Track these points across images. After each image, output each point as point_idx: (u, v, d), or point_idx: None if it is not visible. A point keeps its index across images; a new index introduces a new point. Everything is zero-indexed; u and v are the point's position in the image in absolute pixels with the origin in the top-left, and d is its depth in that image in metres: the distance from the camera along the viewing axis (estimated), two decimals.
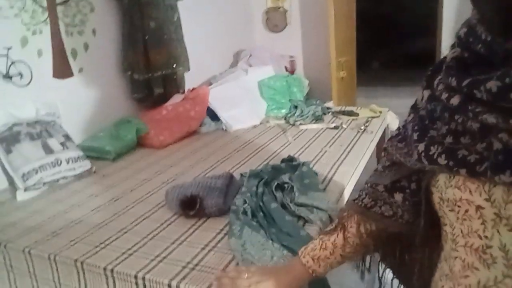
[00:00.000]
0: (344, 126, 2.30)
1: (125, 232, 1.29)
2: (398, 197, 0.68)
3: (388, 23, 7.06)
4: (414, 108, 0.62)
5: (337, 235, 0.76)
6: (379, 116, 2.45)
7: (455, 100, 0.47)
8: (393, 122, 2.58)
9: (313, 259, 0.77)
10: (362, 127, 2.23)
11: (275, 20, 3.84)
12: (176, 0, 2.56)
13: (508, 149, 0.43)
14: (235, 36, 3.60)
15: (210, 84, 2.85)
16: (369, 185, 0.73)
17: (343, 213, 0.78)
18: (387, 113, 2.54)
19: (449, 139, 0.50)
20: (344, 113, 2.54)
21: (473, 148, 0.47)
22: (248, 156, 1.95)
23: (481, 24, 0.48)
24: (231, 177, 1.53)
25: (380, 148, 2.44)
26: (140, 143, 2.18)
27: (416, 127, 0.57)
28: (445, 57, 0.55)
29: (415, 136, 0.56)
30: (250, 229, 1.19)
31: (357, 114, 2.48)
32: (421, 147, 0.53)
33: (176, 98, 2.47)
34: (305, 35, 3.79)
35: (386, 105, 2.67)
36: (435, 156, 0.51)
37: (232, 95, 2.60)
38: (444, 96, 0.49)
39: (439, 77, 0.53)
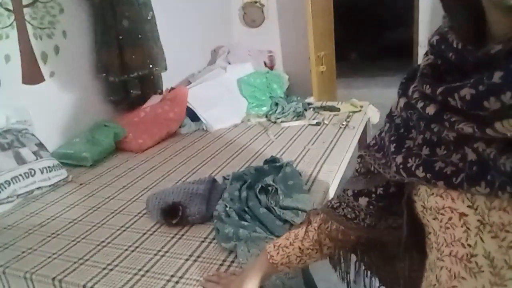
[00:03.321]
0: (326, 122, 2.29)
1: (105, 246, 1.24)
2: (363, 201, 0.70)
3: (365, 15, 7.10)
4: (390, 116, 0.62)
5: (301, 228, 0.81)
6: (360, 110, 2.44)
7: (430, 109, 0.46)
8: (374, 116, 2.59)
9: (274, 246, 0.83)
10: (344, 123, 2.22)
11: (252, 15, 3.80)
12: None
13: (482, 160, 0.43)
14: (212, 33, 3.54)
15: (189, 83, 2.80)
16: (342, 189, 0.77)
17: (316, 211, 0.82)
18: (368, 107, 2.54)
19: (425, 151, 0.50)
20: (325, 108, 2.53)
21: (449, 160, 0.47)
22: (230, 157, 1.91)
23: (453, 31, 0.48)
24: (213, 181, 1.49)
25: (362, 144, 2.44)
26: (118, 147, 2.12)
27: (392, 138, 0.57)
28: (419, 65, 0.55)
29: (392, 148, 0.56)
30: (247, 230, 1.16)
31: (338, 109, 2.47)
32: (399, 159, 0.53)
33: (154, 100, 2.40)
34: (283, 30, 3.76)
35: (366, 95, 2.67)
36: (413, 169, 0.50)
37: (211, 94, 2.55)
38: (420, 104, 0.48)
39: (414, 85, 0.52)
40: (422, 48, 3.40)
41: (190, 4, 3.14)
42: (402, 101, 0.56)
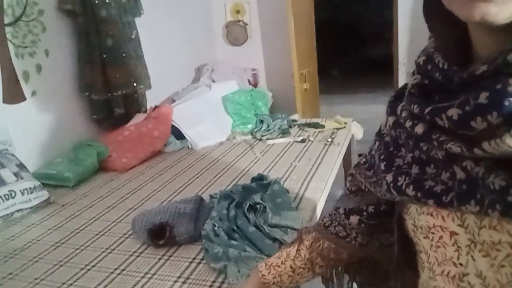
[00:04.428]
0: (311, 139, 2.30)
1: (90, 269, 1.21)
2: (354, 219, 0.70)
3: (345, 32, 7.26)
4: (379, 135, 0.62)
5: (293, 247, 0.81)
6: (344, 127, 2.46)
7: (419, 129, 0.47)
8: (358, 132, 2.61)
9: (265, 265, 0.82)
10: (329, 139, 2.23)
11: (235, 34, 3.83)
12: (134, 16, 2.49)
13: (471, 179, 0.43)
14: (196, 51, 3.55)
15: (173, 101, 2.78)
16: (333, 207, 0.76)
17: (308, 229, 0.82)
18: (352, 123, 2.57)
19: (415, 169, 0.50)
20: (310, 125, 2.55)
21: (439, 178, 0.47)
22: (216, 175, 1.90)
23: (438, 52, 0.48)
24: (200, 200, 1.48)
25: (347, 160, 2.46)
26: (102, 167, 2.08)
27: (382, 156, 0.57)
28: (406, 84, 0.55)
29: (382, 166, 0.56)
30: (236, 249, 1.15)
31: (323, 126, 2.49)
32: (389, 177, 0.53)
33: (138, 118, 2.38)
34: (266, 48, 3.80)
35: (349, 112, 2.70)
36: (403, 187, 0.50)
37: (196, 112, 2.54)
38: (408, 124, 0.49)
39: (402, 104, 0.52)
40: (402, 65, 3.48)
41: (174, 22, 3.16)
42: (391, 119, 0.56)
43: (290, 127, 2.54)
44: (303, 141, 2.27)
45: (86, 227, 1.49)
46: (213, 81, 3.15)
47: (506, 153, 0.38)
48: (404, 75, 3.47)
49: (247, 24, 3.78)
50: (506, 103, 0.37)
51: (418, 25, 3.23)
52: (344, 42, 7.30)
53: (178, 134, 2.40)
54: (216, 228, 1.28)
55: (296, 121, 2.67)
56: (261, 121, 2.58)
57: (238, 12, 3.77)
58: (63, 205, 1.71)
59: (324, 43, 5.61)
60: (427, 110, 0.45)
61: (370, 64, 7.01)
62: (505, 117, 0.38)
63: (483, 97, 0.38)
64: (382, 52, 6.19)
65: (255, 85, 3.59)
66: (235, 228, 1.30)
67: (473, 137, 0.40)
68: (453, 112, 0.41)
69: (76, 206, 1.69)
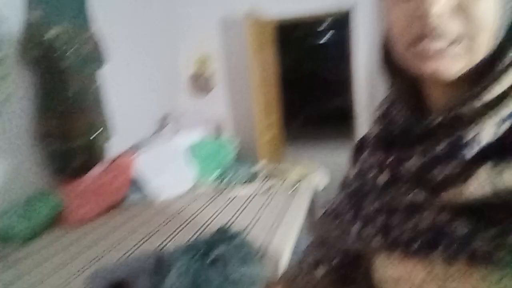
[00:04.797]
0: (276, 188, 2.30)
1: None
2: (321, 271, 0.69)
3: (308, 82, 7.55)
4: (344, 184, 0.62)
5: None
6: (309, 173, 2.49)
7: (383, 178, 0.47)
8: (322, 180, 2.64)
9: None
10: (294, 188, 2.24)
11: (200, 84, 3.89)
12: (97, 67, 2.49)
13: (436, 226, 0.43)
14: (161, 100, 3.56)
15: (136, 150, 2.73)
16: (299, 259, 0.75)
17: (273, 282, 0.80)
18: (316, 171, 2.60)
19: (381, 218, 0.50)
20: (274, 174, 2.56)
21: (405, 227, 0.46)
22: (179, 228, 1.84)
23: (397, 103, 0.50)
24: (161, 255, 1.41)
25: (312, 210, 2.46)
26: (58, 220, 1.97)
27: (348, 206, 0.57)
28: (368, 133, 0.56)
29: (349, 216, 0.56)
30: None
31: (287, 175, 2.50)
32: (356, 227, 0.53)
33: (98, 168, 2.31)
34: (231, 98, 3.87)
35: (313, 161, 2.74)
36: (370, 237, 0.50)
37: (159, 162, 2.50)
38: (372, 173, 0.50)
39: (366, 153, 0.53)
40: (361, 112, 3.62)
41: (140, 71, 3.17)
42: (355, 169, 0.57)
43: (255, 176, 2.53)
44: (268, 190, 2.27)
45: (37, 286, 1.38)
46: (178, 131, 3.15)
47: (467, 200, 0.39)
48: (363, 125, 3.60)
49: (212, 75, 3.86)
50: (464, 152, 0.39)
51: (374, 78, 3.42)
52: (307, 93, 7.57)
53: (139, 185, 2.34)
54: (177, 284, 1.22)
55: (260, 170, 2.68)
56: (226, 170, 2.57)
57: (203, 63, 3.85)
58: (12, 263, 1.58)
59: (288, 93, 5.79)
60: (389, 160, 0.46)
61: (333, 114, 7.26)
62: (464, 165, 0.39)
63: (441, 147, 0.40)
64: (344, 102, 6.44)
65: (220, 134, 3.60)
66: (199, 283, 1.25)
67: (435, 185, 0.41)
68: (415, 162, 0.42)
69: (26, 263, 1.58)
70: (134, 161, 2.38)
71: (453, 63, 0.40)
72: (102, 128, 2.37)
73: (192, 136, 2.87)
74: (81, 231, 1.88)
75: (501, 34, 0.40)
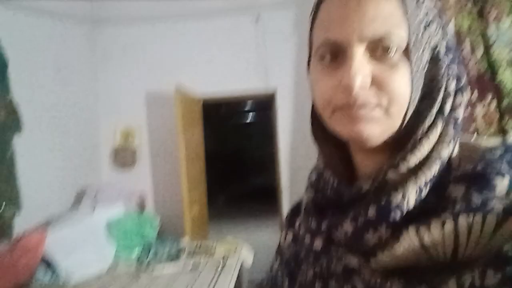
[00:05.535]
0: (202, 265, 2.21)
1: None
2: None
3: (232, 160, 7.67)
4: (279, 251, 0.62)
5: None
6: (235, 250, 2.43)
7: (317, 244, 0.49)
8: (248, 257, 2.59)
9: None
10: (220, 265, 2.17)
11: (124, 158, 3.77)
12: (13, 135, 2.32)
13: None
14: (79, 173, 3.36)
15: (47, 226, 2.49)
16: None
17: None
18: (243, 246, 2.56)
19: (318, 285, 0.50)
20: (200, 250, 2.46)
21: None
22: None
23: (327, 169, 0.53)
24: None
25: (239, 286, 2.37)
26: None
27: (284, 273, 0.57)
28: (302, 199, 0.58)
29: (285, 284, 0.56)
30: None
31: (213, 250, 2.43)
32: None
33: (2, 246, 2.05)
34: (155, 172, 3.78)
35: (237, 238, 2.70)
36: None
37: (74, 239, 2.29)
38: (307, 239, 0.50)
39: (300, 219, 0.54)
40: (285, 190, 3.72)
41: (56, 142, 3.01)
42: (290, 235, 0.57)
43: (180, 252, 2.42)
44: (193, 268, 2.16)
45: None
46: (97, 205, 2.95)
47: (398, 262, 0.41)
48: (287, 200, 3.68)
49: (136, 148, 3.78)
50: (392, 216, 0.41)
51: (297, 154, 3.59)
52: (230, 172, 7.66)
53: (49, 265, 2.10)
54: None
55: (185, 246, 2.57)
56: (148, 247, 2.42)
57: (127, 136, 3.77)
58: None
59: (211, 171, 5.82)
60: (323, 226, 0.47)
61: (256, 192, 7.37)
62: (393, 228, 0.41)
63: (371, 212, 0.42)
64: (267, 180, 6.60)
65: (142, 209, 3.44)
66: None
67: (368, 249, 0.43)
68: (347, 227, 0.44)
69: None
70: (45, 238, 2.15)
71: (374, 128, 0.43)
72: (9, 200, 2.15)
73: (112, 211, 2.70)
74: None
75: (415, 104, 0.44)
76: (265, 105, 6.01)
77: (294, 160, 3.64)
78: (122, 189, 3.45)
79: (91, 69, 3.67)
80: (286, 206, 3.70)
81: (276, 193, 3.93)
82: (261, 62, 3.64)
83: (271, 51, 3.62)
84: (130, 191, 3.55)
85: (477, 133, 2.22)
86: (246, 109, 8.05)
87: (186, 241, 2.78)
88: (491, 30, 2.17)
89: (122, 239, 2.44)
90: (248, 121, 8.31)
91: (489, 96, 2.22)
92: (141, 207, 3.51)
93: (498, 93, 2.20)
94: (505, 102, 2.18)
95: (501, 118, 2.20)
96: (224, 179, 7.52)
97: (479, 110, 2.24)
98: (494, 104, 2.21)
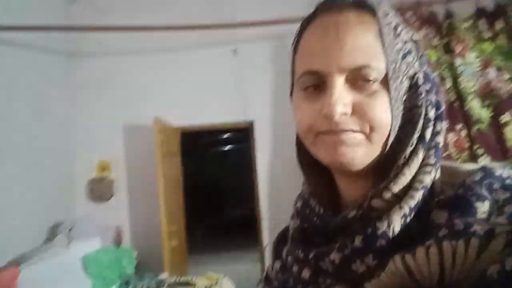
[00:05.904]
0: None
1: None
2: None
3: (211, 192, 7.60)
4: (267, 280, 0.61)
5: None
6: (216, 283, 2.39)
7: (305, 273, 0.48)
8: None
9: None
10: None
11: (100, 191, 3.68)
12: None
13: None
14: (52, 207, 3.25)
15: (21, 263, 2.38)
16: None
17: None
18: (223, 279, 2.51)
19: None
20: (180, 284, 2.40)
21: None
22: None
23: (313, 197, 0.53)
24: None
25: None
26: None
27: None
28: (287, 226, 0.58)
29: None
30: None
31: (194, 285, 2.37)
32: None
33: None
34: (132, 205, 3.70)
35: (217, 270, 2.66)
36: None
37: (48, 275, 2.20)
38: (295, 268, 0.50)
39: (287, 248, 0.54)
40: (265, 220, 3.69)
41: (30, 177, 2.92)
42: (277, 264, 0.57)
43: (159, 287, 2.35)
44: None
45: None
46: (72, 240, 2.86)
47: None
48: (267, 231, 3.65)
49: (113, 181, 3.71)
50: (379, 244, 0.42)
51: (276, 184, 3.59)
52: (209, 202, 7.58)
53: None
54: None
55: (164, 280, 2.50)
56: (126, 283, 2.35)
57: (103, 169, 3.71)
58: None
59: (189, 203, 5.75)
60: (311, 255, 0.47)
61: (235, 223, 7.28)
62: (379, 257, 0.42)
63: (358, 241, 0.43)
64: (246, 211, 6.55)
65: (119, 243, 3.35)
66: None
67: (355, 278, 0.43)
68: (334, 256, 0.44)
69: None
70: (18, 275, 2.06)
71: (356, 151, 0.45)
72: None
73: (88, 246, 2.62)
74: None
75: (396, 131, 0.46)
76: (243, 136, 6.04)
77: (273, 190, 3.64)
78: (98, 223, 3.36)
79: (68, 101, 3.63)
80: (266, 236, 3.66)
81: (255, 223, 3.89)
82: (239, 93, 3.69)
83: (249, 83, 3.69)
84: (106, 225, 3.46)
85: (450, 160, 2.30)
86: (225, 139, 8.08)
87: (165, 276, 2.71)
88: (458, 62, 2.29)
89: (99, 274, 2.36)
90: (227, 151, 8.32)
91: (460, 124, 2.32)
92: (118, 241, 3.41)
93: (468, 121, 2.31)
94: (474, 129, 2.28)
95: (471, 145, 2.29)
96: (203, 210, 7.42)
97: (451, 138, 2.33)
98: (464, 131, 2.31)
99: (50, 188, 3.25)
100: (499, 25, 2.30)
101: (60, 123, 3.48)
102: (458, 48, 2.27)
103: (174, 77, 3.72)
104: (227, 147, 8.26)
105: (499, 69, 2.23)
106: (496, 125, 2.22)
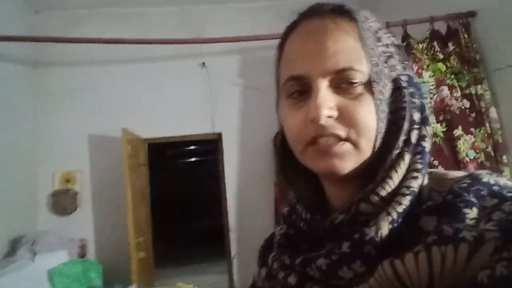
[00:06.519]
0: None
1: None
2: None
3: (179, 203, 7.53)
4: (253, 287, 0.60)
5: None
6: None
7: (292, 280, 0.47)
8: None
9: None
10: None
11: (63, 203, 3.57)
12: None
13: None
14: (12, 221, 3.12)
15: None
16: None
17: None
18: None
19: None
20: None
21: None
22: None
23: (300, 203, 0.53)
24: None
25: None
26: None
27: None
28: (273, 233, 0.58)
29: None
30: None
31: None
32: None
33: None
34: (98, 217, 3.63)
35: (185, 282, 2.66)
36: None
37: None
38: (281, 275, 0.49)
39: (273, 254, 0.53)
40: (232, 232, 3.71)
41: None
42: (263, 271, 0.56)
43: None
44: None
45: None
46: (35, 254, 2.78)
47: None
48: (235, 242, 3.67)
49: (77, 193, 3.63)
50: (367, 249, 0.41)
51: (244, 195, 3.64)
52: (176, 214, 7.51)
53: None
54: None
55: None
56: None
57: (68, 181, 3.62)
58: None
59: (157, 214, 5.69)
60: (297, 261, 0.47)
61: (202, 235, 7.24)
62: (368, 263, 0.41)
63: (345, 246, 0.42)
64: (214, 222, 6.53)
65: (83, 256, 3.28)
66: None
67: (343, 284, 0.43)
68: (321, 262, 0.43)
69: None
70: None
71: (344, 159, 0.45)
72: None
73: (54, 258, 2.57)
74: None
75: (382, 134, 0.46)
76: (211, 147, 6.06)
77: (241, 201, 3.69)
78: (62, 236, 3.28)
79: (32, 112, 3.55)
80: (234, 248, 3.68)
81: (223, 234, 3.91)
82: (207, 105, 3.74)
83: (217, 95, 3.74)
84: (70, 237, 3.38)
85: None
86: (193, 151, 8.06)
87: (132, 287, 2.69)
88: None
89: (66, 287, 2.32)
90: (195, 162, 8.29)
91: None
92: (82, 254, 3.35)
93: None
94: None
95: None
96: (171, 222, 7.34)
97: None
98: None
99: (11, 200, 3.14)
100: (451, 46, 2.48)
101: (23, 133, 3.38)
102: (414, 68, 2.43)
103: (143, 89, 3.72)
104: (195, 159, 8.24)
105: (451, 87, 2.40)
106: (450, 139, 2.38)
